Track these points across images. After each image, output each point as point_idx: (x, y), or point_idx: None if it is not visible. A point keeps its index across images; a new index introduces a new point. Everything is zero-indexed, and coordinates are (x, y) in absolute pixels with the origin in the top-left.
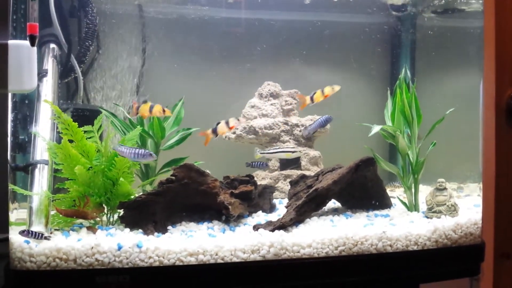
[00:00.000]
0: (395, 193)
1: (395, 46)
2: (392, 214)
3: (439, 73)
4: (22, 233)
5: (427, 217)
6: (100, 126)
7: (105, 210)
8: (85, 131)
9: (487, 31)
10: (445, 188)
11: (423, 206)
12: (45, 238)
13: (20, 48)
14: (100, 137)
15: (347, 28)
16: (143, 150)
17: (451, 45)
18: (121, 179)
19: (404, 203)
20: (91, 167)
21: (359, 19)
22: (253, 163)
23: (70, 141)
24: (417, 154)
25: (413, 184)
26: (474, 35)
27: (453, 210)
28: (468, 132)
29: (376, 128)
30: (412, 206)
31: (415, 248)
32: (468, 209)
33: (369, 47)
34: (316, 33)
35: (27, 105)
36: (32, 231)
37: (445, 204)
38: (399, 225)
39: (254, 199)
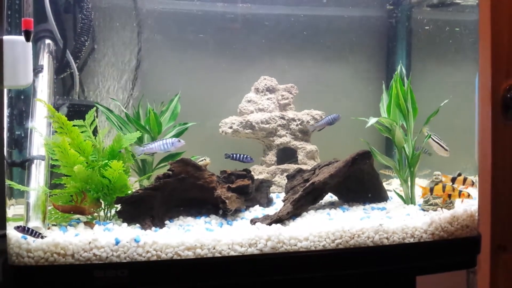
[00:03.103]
0: (392, 186)
1: (391, 39)
2: (388, 207)
3: (435, 66)
4: (17, 229)
5: (424, 210)
6: (93, 120)
7: (102, 205)
8: (76, 125)
9: (483, 24)
10: (441, 181)
11: (419, 199)
12: (42, 237)
13: (15, 44)
14: (94, 132)
15: (343, 21)
16: (170, 139)
17: (447, 38)
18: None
19: (401, 196)
20: (87, 162)
21: (354, 12)
22: (233, 155)
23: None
24: (413, 147)
25: (409, 177)
26: (470, 28)
27: (449, 202)
28: (464, 125)
29: (372, 120)
30: (409, 199)
31: (411, 240)
32: (464, 201)
33: (365, 40)
34: (312, 27)
35: (23, 100)
36: (28, 228)
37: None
38: (395, 218)
39: (251, 193)
